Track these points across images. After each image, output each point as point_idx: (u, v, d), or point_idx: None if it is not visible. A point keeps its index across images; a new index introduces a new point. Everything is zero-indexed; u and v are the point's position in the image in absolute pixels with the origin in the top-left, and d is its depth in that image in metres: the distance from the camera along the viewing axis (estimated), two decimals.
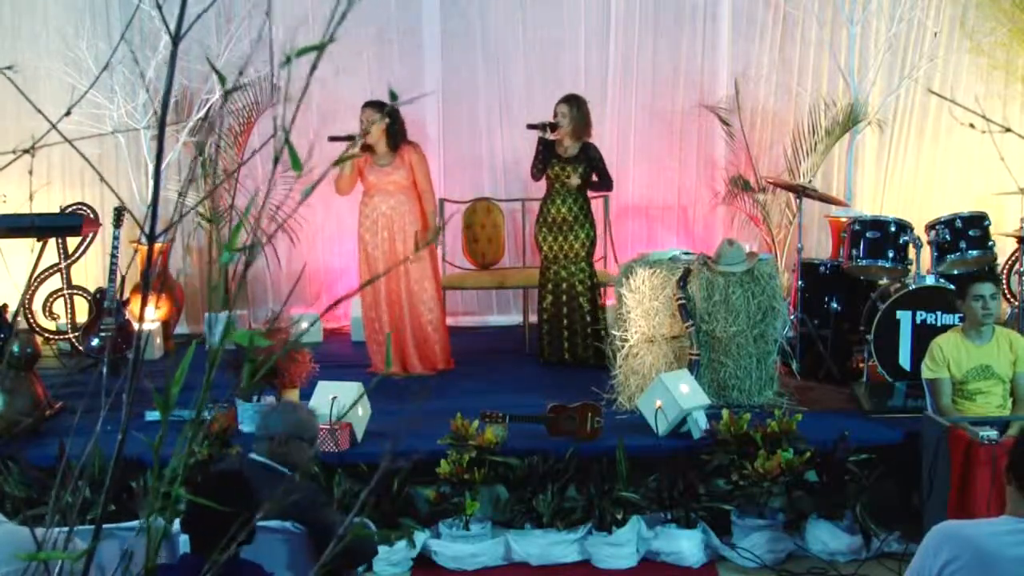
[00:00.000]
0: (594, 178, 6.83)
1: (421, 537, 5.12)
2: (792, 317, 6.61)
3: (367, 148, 6.60)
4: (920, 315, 6.12)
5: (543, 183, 6.89)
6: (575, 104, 6.79)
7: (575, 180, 6.73)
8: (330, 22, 1.14)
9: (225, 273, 6.91)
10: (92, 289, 7.42)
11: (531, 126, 6.80)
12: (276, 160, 1.17)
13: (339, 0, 1.13)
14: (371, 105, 6.59)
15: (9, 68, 1.56)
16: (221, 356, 1.18)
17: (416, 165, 6.68)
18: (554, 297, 6.89)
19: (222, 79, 1.30)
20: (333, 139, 6.43)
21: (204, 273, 8.03)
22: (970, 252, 6.38)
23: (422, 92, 7.69)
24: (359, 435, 5.40)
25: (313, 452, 4.02)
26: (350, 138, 6.45)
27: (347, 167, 6.46)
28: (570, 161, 6.77)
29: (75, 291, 7.67)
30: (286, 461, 3.84)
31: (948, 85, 8.20)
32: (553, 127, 6.72)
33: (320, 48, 1.15)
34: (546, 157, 6.75)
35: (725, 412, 5.36)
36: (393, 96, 1.32)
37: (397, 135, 6.64)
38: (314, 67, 1.18)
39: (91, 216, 7.47)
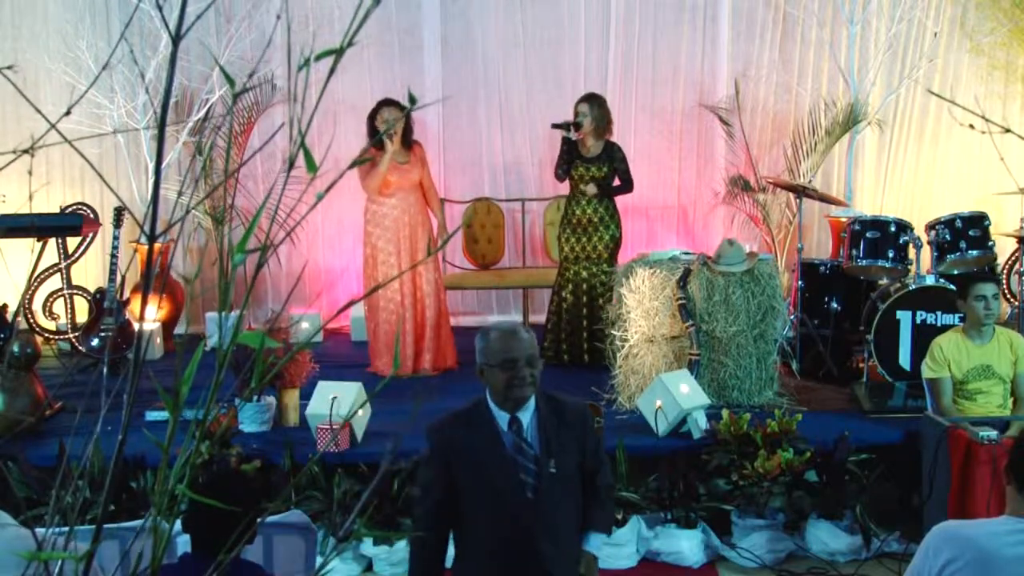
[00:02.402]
0: (616, 182, 6.79)
1: None
2: (792, 317, 6.61)
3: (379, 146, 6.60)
4: (920, 315, 6.12)
5: (545, 183, 6.86)
6: (595, 103, 6.74)
7: (592, 189, 6.68)
8: (349, 26, 1.14)
9: (224, 273, 6.89)
10: (92, 289, 7.41)
11: (555, 125, 6.75)
12: (291, 163, 1.17)
13: (360, 2, 1.13)
14: (391, 104, 6.57)
15: (9, 68, 1.55)
16: (224, 356, 1.18)
17: (424, 163, 6.72)
18: (575, 298, 6.83)
19: (231, 82, 1.30)
20: (375, 139, 6.40)
21: (205, 273, 8.02)
22: (970, 252, 6.37)
23: (422, 92, 7.69)
24: (359, 435, 5.39)
25: (520, 374, 3.31)
26: (385, 134, 6.46)
27: (384, 165, 6.47)
28: (593, 161, 6.73)
29: (75, 291, 7.66)
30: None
31: (948, 85, 8.20)
32: (577, 126, 6.66)
33: (339, 52, 1.14)
34: (570, 157, 6.71)
35: (725, 412, 5.36)
36: (412, 100, 1.32)
37: (411, 133, 6.66)
38: (332, 70, 1.17)
39: (91, 216, 7.46)
